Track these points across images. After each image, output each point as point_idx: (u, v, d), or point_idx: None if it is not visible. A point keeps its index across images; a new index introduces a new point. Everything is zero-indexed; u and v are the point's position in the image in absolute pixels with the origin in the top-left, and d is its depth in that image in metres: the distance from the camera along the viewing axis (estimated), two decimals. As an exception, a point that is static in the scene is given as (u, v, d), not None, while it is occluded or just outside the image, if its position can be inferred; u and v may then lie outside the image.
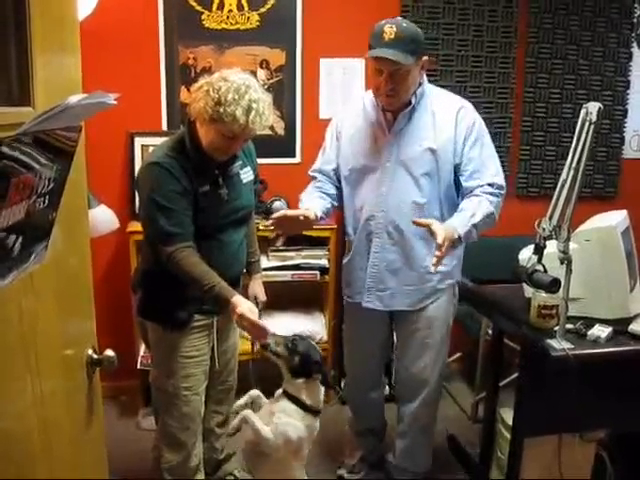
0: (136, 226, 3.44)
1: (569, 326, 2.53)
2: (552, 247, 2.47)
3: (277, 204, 3.94)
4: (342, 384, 3.96)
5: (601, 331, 2.51)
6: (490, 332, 3.64)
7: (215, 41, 3.92)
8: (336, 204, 2.96)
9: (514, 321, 2.72)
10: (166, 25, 3.85)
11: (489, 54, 4.23)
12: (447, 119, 2.77)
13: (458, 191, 2.83)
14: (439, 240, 2.40)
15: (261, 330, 2.45)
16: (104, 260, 3.94)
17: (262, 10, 3.94)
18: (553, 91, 4.38)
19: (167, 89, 3.94)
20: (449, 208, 2.79)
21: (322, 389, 2.56)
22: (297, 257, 3.94)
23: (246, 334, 3.58)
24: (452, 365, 4.52)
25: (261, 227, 3.30)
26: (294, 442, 2.46)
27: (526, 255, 2.60)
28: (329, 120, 3.08)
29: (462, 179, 2.77)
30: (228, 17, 3.91)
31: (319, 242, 3.91)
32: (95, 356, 1.69)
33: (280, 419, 2.45)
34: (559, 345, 2.42)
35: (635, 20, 4.39)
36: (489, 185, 2.72)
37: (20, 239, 1.04)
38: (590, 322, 2.58)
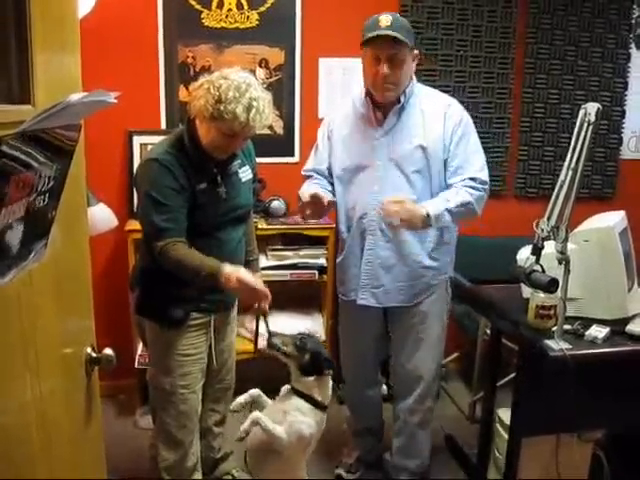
0: (135, 224, 3.44)
1: (567, 326, 2.53)
2: (550, 247, 2.48)
3: (275, 203, 3.94)
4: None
5: (599, 331, 2.51)
6: (488, 332, 3.64)
7: (214, 40, 3.92)
8: (335, 199, 2.98)
9: (512, 321, 2.72)
10: (165, 24, 3.85)
11: (488, 54, 4.23)
12: (436, 117, 2.83)
13: None
14: (391, 198, 2.60)
15: (262, 293, 2.43)
16: (102, 258, 3.94)
17: (261, 9, 3.94)
18: (551, 91, 4.39)
19: (166, 88, 3.94)
20: None
21: (331, 384, 2.56)
22: (295, 256, 3.94)
23: (245, 334, 3.59)
24: (450, 365, 4.53)
25: (260, 226, 3.30)
26: (307, 439, 2.46)
27: (524, 255, 2.60)
28: (328, 120, 3.09)
29: (447, 175, 2.84)
30: (227, 16, 3.91)
31: (317, 241, 3.91)
32: (94, 354, 1.69)
33: (296, 417, 2.45)
34: (557, 345, 2.42)
35: (633, 21, 4.40)
36: (471, 179, 2.79)
37: (20, 237, 1.04)
38: (588, 322, 2.59)
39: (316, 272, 3.93)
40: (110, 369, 1.71)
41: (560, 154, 4.33)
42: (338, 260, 3.14)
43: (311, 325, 4.01)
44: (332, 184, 2.99)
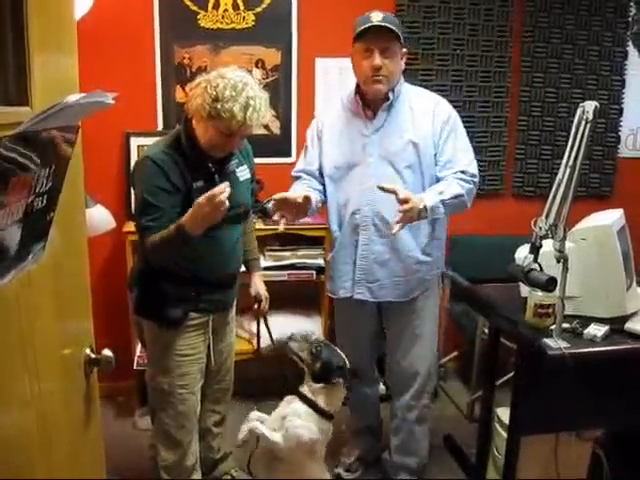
0: (132, 226, 3.43)
1: (565, 325, 2.53)
2: (548, 246, 2.48)
3: (273, 197, 3.93)
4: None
5: (597, 330, 2.51)
6: (486, 331, 3.64)
7: (211, 41, 3.92)
8: (324, 200, 3.02)
9: (510, 320, 2.72)
10: (161, 25, 3.85)
11: (485, 53, 4.24)
12: (425, 114, 2.89)
13: None
14: (402, 196, 2.54)
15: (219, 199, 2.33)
16: (101, 260, 3.93)
17: (257, 10, 3.94)
18: (549, 90, 4.39)
19: (163, 89, 3.94)
20: None
21: (342, 394, 2.56)
22: (293, 257, 3.95)
23: (244, 334, 3.59)
24: (448, 364, 4.54)
25: (257, 227, 3.31)
26: (307, 444, 2.46)
27: (522, 254, 2.60)
28: (325, 120, 3.09)
29: (437, 169, 2.89)
30: (223, 17, 3.91)
31: (314, 241, 3.91)
32: (93, 356, 1.69)
33: (292, 422, 2.45)
34: (555, 344, 2.42)
35: (630, 19, 4.40)
36: (461, 172, 2.84)
37: (18, 238, 1.04)
38: (586, 321, 2.58)
39: (314, 272, 3.93)
40: (109, 370, 1.71)
41: (558, 153, 4.34)
42: (328, 258, 3.18)
43: (309, 325, 4.01)
44: (322, 184, 3.02)
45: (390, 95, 2.85)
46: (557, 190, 2.48)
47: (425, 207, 2.63)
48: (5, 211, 0.95)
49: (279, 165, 4.00)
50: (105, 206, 3.44)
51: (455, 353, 4.48)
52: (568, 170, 2.46)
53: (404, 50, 2.86)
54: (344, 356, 2.55)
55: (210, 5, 3.89)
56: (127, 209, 3.84)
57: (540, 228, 2.46)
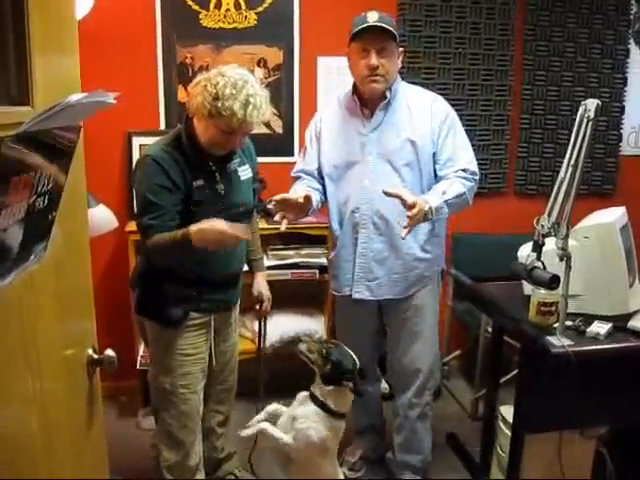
0: (135, 225, 3.43)
1: (568, 323, 2.53)
2: (551, 244, 2.47)
3: (274, 197, 3.93)
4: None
5: (600, 327, 2.51)
6: (490, 329, 3.65)
7: (213, 40, 3.92)
8: (324, 199, 3.03)
9: (513, 318, 2.72)
10: (163, 24, 3.85)
11: (487, 51, 4.23)
12: (422, 113, 2.91)
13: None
14: (410, 201, 2.54)
15: (241, 236, 2.39)
16: (103, 260, 3.94)
17: (259, 9, 3.94)
18: (551, 88, 4.38)
19: (165, 88, 3.94)
20: None
21: (352, 396, 2.56)
22: (296, 256, 3.95)
23: (246, 333, 3.59)
24: (452, 363, 4.53)
25: (260, 226, 3.31)
26: (317, 444, 2.46)
27: (525, 252, 2.60)
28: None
29: (437, 168, 2.91)
30: (225, 16, 3.91)
31: (317, 240, 3.91)
32: (95, 356, 1.69)
33: (302, 424, 2.45)
34: (559, 342, 2.42)
35: (632, 17, 4.40)
36: (462, 170, 2.86)
37: (20, 239, 1.04)
38: (589, 319, 2.58)
39: (317, 271, 3.94)
40: (112, 370, 1.71)
41: (560, 151, 4.33)
42: (330, 256, 3.20)
43: (312, 324, 4.01)
44: (322, 184, 3.04)
45: (387, 94, 2.87)
46: (559, 188, 2.48)
47: (430, 209, 2.64)
48: (7, 211, 0.95)
49: (282, 164, 3.99)
50: (107, 206, 3.44)
51: (458, 351, 4.47)
52: (570, 168, 2.46)
53: (400, 49, 2.88)
54: (355, 357, 2.55)
55: (212, 4, 3.89)
56: (129, 209, 3.84)
57: (543, 226, 2.46)
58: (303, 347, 2.53)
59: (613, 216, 2.63)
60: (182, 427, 2.75)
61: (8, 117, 1.12)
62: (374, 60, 2.75)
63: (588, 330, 2.51)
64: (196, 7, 3.87)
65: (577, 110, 2.49)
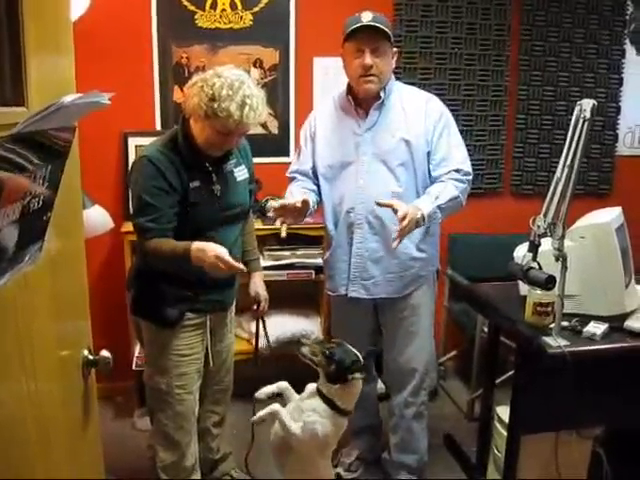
0: (130, 226, 3.42)
1: (565, 323, 2.53)
2: (547, 244, 2.47)
3: (271, 203, 3.93)
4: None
5: (597, 328, 2.51)
6: (486, 330, 3.64)
7: (208, 40, 3.91)
8: (319, 199, 3.03)
9: (510, 319, 2.72)
10: (159, 25, 3.85)
11: (482, 52, 4.23)
12: (417, 113, 2.91)
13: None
14: (400, 214, 2.54)
15: (235, 268, 2.39)
16: (99, 260, 3.93)
17: (255, 9, 3.94)
18: (547, 88, 4.39)
19: (161, 89, 3.93)
20: None
21: (358, 389, 2.56)
22: (292, 256, 3.95)
23: (242, 334, 3.58)
24: (448, 363, 4.54)
25: (256, 227, 3.30)
26: (320, 439, 2.47)
27: (521, 253, 2.60)
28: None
29: (431, 167, 2.91)
30: (221, 16, 3.91)
31: (313, 241, 3.91)
32: (91, 357, 1.68)
33: (310, 417, 2.46)
34: (555, 342, 2.42)
35: (627, 17, 4.40)
36: (455, 171, 2.86)
37: (15, 240, 1.04)
38: (586, 319, 2.58)
39: (313, 272, 3.94)
40: (107, 371, 1.70)
41: (556, 151, 4.34)
42: (325, 256, 3.20)
43: (308, 325, 4.01)
44: (316, 184, 3.04)
45: (381, 94, 2.88)
46: (555, 188, 2.48)
47: (423, 216, 2.65)
48: (1, 212, 0.94)
49: (277, 164, 3.99)
50: (103, 206, 3.43)
51: (455, 352, 4.47)
52: (566, 168, 2.46)
53: (394, 50, 2.88)
54: (355, 350, 2.55)
55: (208, 5, 3.88)
56: (125, 209, 3.84)
57: (539, 227, 2.46)
58: (306, 350, 2.53)
59: (609, 216, 2.63)
60: (178, 428, 2.74)
61: (2, 118, 1.11)
62: (368, 60, 2.76)
63: (584, 330, 2.51)
64: (192, 7, 3.87)
65: (573, 110, 2.50)
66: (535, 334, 2.50)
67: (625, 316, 2.60)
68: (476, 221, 4.22)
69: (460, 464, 3.45)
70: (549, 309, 2.51)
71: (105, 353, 1.69)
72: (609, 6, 4.34)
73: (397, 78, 3.04)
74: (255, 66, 3.99)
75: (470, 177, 2.91)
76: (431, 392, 3.46)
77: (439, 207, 2.74)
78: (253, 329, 3.29)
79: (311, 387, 2.59)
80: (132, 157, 3.82)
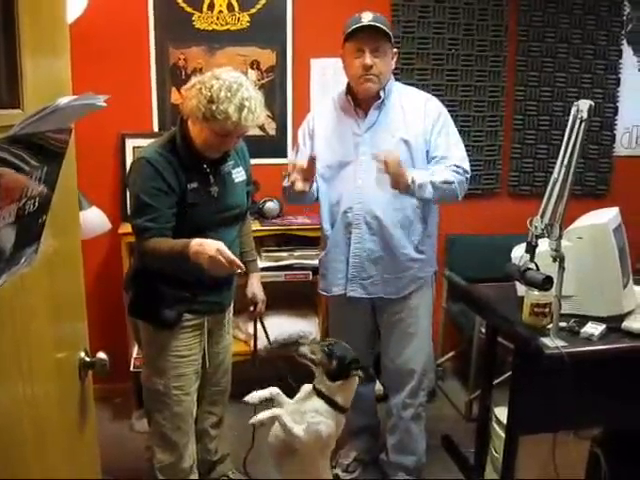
0: (128, 228, 3.43)
1: (562, 324, 2.53)
2: (544, 245, 2.47)
3: (269, 204, 3.94)
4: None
5: (594, 328, 2.51)
6: (484, 331, 3.64)
7: (206, 42, 3.92)
8: (316, 195, 3.04)
9: (507, 320, 2.71)
10: (156, 26, 3.85)
11: (480, 52, 4.24)
12: (416, 113, 2.93)
13: None
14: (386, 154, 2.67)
15: (235, 264, 2.38)
16: (96, 262, 3.93)
17: (252, 11, 3.94)
18: (544, 89, 4.39)
19: (158, 90, 3.93)
20: None
21: (355, 387, 2.57)
22: (290, 257, 3.95)
23: (240, 335, 3.57)
24: (446, 364, 4.54)
25: (254, 228, 3.31)
26: (324, 439, 2.48)
27: (518, 253, 2.60)
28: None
29: (430, 166, 2.92)
30: (218, 18, 3.91)
31: (311, 242, 3.90)
32: (87, 359, 1.68)
33: (313, 418, 2.46)
34: (552, 343, 2.42)
35: (625, 18, 4.40)
36: (455, 166, 2.89)
37: (11, 242, 1.03)
38: (583, 320, 2.58)
39: (310, 272, 3.93)
40: (104, 373, 1.70)
41: (553, 151, 4.34)
42: (320, 257, 3.20)
43: (306, 326, 4.01)
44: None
45: (381, 94, 2.89)
46: (553, 189, 2.48)
47: (413, 180, 2.70)
48: (-2, 213, 0.94)
49: (275, 166, 3.99)
50: (100, 208, 3.43)
51: (453, 353, 4.48)
52: (563, 169, 2.46)
53: (394, 50, 2.90)
54: (351, 349, 2.55)
55: (205, 6, 3.89)
56: (123, 211, 3.84)
57: (536, 227, 2.46)
58: (305, 350, 2.53)
59: (606, 217, 2.63)
60: (176, 429, 2.74)
61: (-2, 120, 1.11)
62: (368, 59, 2.77)
63: (582, 331, 2.51)
64: (189, 9, 3.87)
65: (570, 111, 2.50)
66: (533, 335, 2.50)
67: (623, 317, 2.60)
68: (474, 222, 4.22)
69: (458, 465, 3.44)
70: (547, 310, 2.51)
71: (101, 355, 1.69)
72: (606, 7, 4.35)
73: (395, 79, 3.04)
74: (252, 67, 4.00)
75: (468, 175, 2.92)
76: (429, 393, 3.45)
77: (432, 183, 2.77)
78: (251, 330, 3.29)
79: (307, 388, 2.59)
80: (130, 159, 3.82)
